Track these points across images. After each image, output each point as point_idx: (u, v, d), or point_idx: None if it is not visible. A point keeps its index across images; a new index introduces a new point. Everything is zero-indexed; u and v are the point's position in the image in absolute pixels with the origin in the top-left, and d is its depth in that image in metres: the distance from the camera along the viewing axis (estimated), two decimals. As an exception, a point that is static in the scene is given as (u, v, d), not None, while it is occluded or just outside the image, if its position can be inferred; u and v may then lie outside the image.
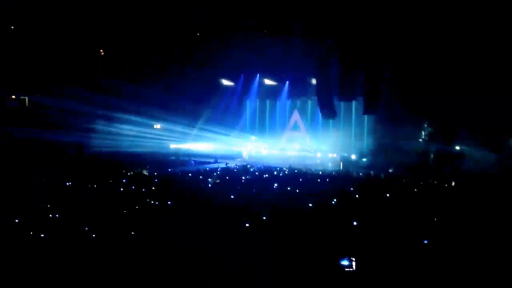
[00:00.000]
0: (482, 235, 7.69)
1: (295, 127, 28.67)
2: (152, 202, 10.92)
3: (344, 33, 19.47)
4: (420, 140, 19.77)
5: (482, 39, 16.54)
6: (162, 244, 7.12)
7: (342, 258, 6.27)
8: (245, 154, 26.80)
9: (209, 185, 14.93)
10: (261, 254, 6.80)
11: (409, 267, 6.28)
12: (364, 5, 17.73)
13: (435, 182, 15.23)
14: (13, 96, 21.10)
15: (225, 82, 28.27)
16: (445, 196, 12.37)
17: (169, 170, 19.77)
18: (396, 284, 5.94)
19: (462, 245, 7.23)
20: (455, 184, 13.89)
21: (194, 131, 27.58)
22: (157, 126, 27.13)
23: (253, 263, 6.46)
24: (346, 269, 6.18)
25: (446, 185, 14.51)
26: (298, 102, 28.12)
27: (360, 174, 18.65)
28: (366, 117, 24.38)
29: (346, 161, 22.30)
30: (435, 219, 9.10)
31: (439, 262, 6.53)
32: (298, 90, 26.82)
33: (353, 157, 23.41)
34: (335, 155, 24.18)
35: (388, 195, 12.31)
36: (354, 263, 6.23)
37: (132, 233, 7.94)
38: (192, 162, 23.73)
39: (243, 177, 16.61)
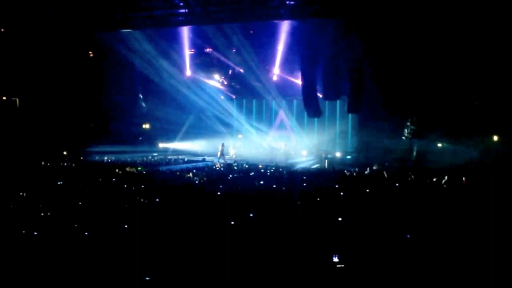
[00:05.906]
0: (465, 229, 7.92)
1: (281, 126, 28.99)
2: (142, 200, 11.04)
3: (329, 33, 19.74)
4: (403, 137, 20.10)
5: (463, 39, 16.90)
6: (151, 242, 7.26)
7: (332, 255, 6.39)
8: (232, 152, 27.02)
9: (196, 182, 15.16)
10: (247, 251, 6.92)
11: (393, 262, 6.45)
12: (348, 6, 17.98)
13: (418, 178, 15.59)
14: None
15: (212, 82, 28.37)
16: (427, 192, 12.67)
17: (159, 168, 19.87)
18: (380, 279, 6.06)
19: (444, 240, 7.43)
20: (445, 181, 14.15)
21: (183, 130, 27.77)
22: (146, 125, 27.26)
23: (240, 261, 6.54)
24: (335, 266, 6.30)
25: (428, 181, 14.83)
26: (284, 101, 28.39)
27: (345, 171, 18.96)
28: (350, 115, 24.76)
29: (331, 158, 22.65)
30: (418, 214, 9.35)
31: (422, 256, 6.69)
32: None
33: (338, 154, 23.81)
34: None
35: (372, 191, 12.58)
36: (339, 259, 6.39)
37: (124, 229, 8.08)
38: (180, 160, 23.84)
39: (230, 175, 16.78)
